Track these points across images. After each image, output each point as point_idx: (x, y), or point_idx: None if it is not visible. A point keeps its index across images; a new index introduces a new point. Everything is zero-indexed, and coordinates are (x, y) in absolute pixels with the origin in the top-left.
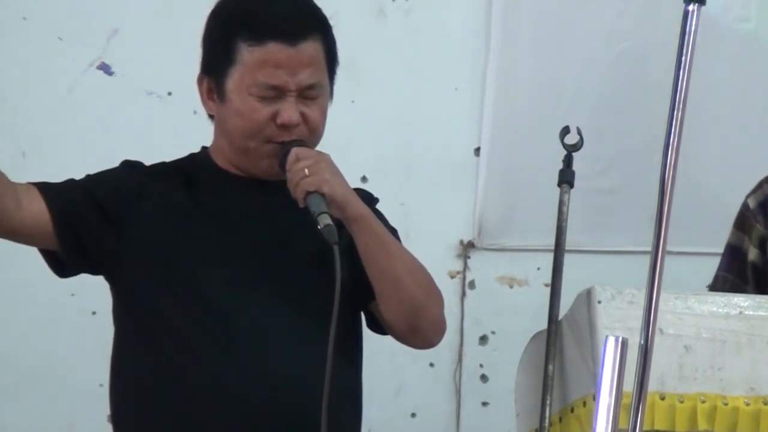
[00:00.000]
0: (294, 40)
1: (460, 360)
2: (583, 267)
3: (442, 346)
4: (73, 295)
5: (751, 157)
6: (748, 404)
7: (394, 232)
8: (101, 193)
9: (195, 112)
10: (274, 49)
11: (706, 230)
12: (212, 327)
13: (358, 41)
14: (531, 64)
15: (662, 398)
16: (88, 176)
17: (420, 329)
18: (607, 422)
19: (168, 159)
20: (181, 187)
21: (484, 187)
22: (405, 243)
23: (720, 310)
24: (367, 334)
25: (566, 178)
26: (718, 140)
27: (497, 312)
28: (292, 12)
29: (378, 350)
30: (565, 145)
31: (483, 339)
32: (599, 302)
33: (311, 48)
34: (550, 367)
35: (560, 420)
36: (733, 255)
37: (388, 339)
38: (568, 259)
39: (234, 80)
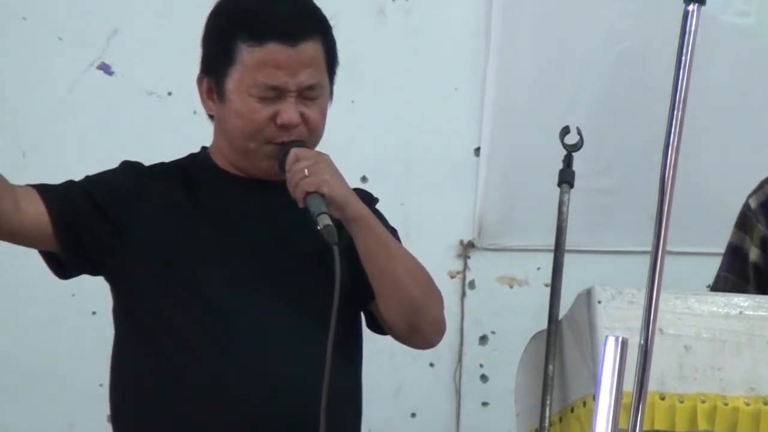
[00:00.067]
0: (294, 40)
1: (460, 360)
2: (583, 267)
3: (442, 346)
4: (73, 295)
5: (751, 157)
6: (748, 404)
7: (393, 232)
8: (100, 193)
9: (195, 112)
10: (274, 50)
11: (706, 230)
12: (212, 327)
13: (358, 41)
14: (531, 64)
15: (662, 398)
16: (87, 177)
17: (420, 329)
18: (607, 422)
19: (168, 159)
20: (181, 188)
21: (484, 187)
22: (405, 243)
23: (720, 310)
24: (367, 334)
25: (566, 178)
26: (718, 140)
27: (497, 312)
28: (292, 12)
29: (378, 350)
30: (565, 145)
31: (483, 339)
32: (599, 302)
33: (311, 48)
34: (550, 367)
35: (560, 420)
36: (734, 255)
37: (388, 339)
38: (568, 259)
39: (234, 80)
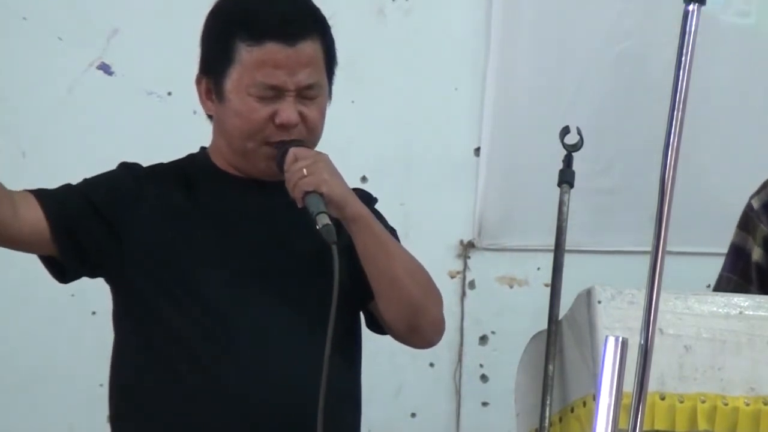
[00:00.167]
0: (293, 40)
1: (460, 360)
2: (583, 267)
3: (442, 346)
4: (73, 295)
5: (751, 157)
6: (748, 404)
7: (393, 231)
8: (98, 196)
9: (195, 112)
10: (272, 49)
11: (706, 230)
12: (211, 327)
13: (358, 41)
14: (531, 64)
15: (662, 398)
16: (85, 180)
17: (419, 329)
18: (607, 422)
19: (168, 159)
20: (180, 188)
21: (484, 187)
22: (405, 243)
23: (720, 310)
24: (367, 333)
25: (566, 178)
26: (718, 140)
27: (497, 312)
28: (291, 12)
29: (378, 350)
30: (565, 145)
31: (483, 339)
32: (599, 302)
33: (310, 48)
34: (550, 367)
35: (560, 420)
36: (736, 255)
37: (388, 339)
38: (568, 259)
39: (233, 80)
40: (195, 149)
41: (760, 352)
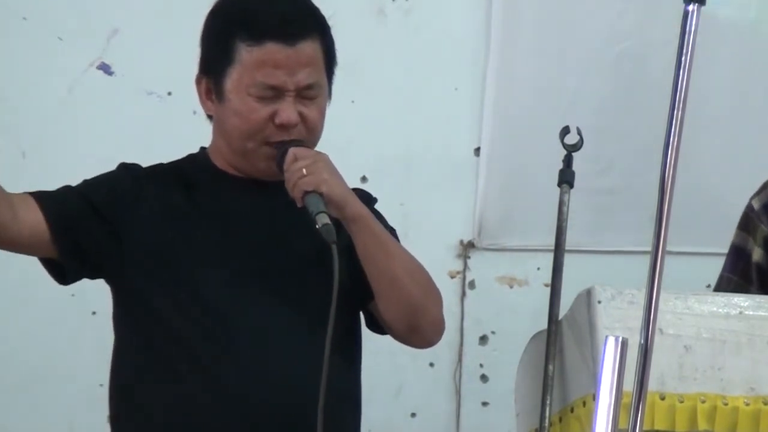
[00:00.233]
0: (292, 40)
1: (460, 360)
2: (583, 267)
3: (442, 345)
4: (73, 295)
5: (751, 156)
6: (748, 404)
7: (392, 231)
8: (98, 197)
9: (195, 112)
10: (272, 49)
11: (706, 230)
12: (211, 327)
13: (358, 41)
14: (531, 64)
15: (662, 398)
16: (85, 181)
17: (419, 329)
18: (607, 422)
19: (168, 159)
20: (179, 188)
21: (484, 187)
22: (404, 243)
23: (720, 310)
24: (367, 333)
25: (566, 178)
26: (718, 140)
27: (497, 312)
28: (291, 12)
29: (378, 350)
30: (565, 145)
31: (483, 339)
32: (599, 302)
33: (309, 48)
34: (550, 367)
35: (560, 420)
36: (737, 256)
37: (388, 339)
38: (568, 259)
39: (232, 80)
40: (195, 149)
41: (760, 352)
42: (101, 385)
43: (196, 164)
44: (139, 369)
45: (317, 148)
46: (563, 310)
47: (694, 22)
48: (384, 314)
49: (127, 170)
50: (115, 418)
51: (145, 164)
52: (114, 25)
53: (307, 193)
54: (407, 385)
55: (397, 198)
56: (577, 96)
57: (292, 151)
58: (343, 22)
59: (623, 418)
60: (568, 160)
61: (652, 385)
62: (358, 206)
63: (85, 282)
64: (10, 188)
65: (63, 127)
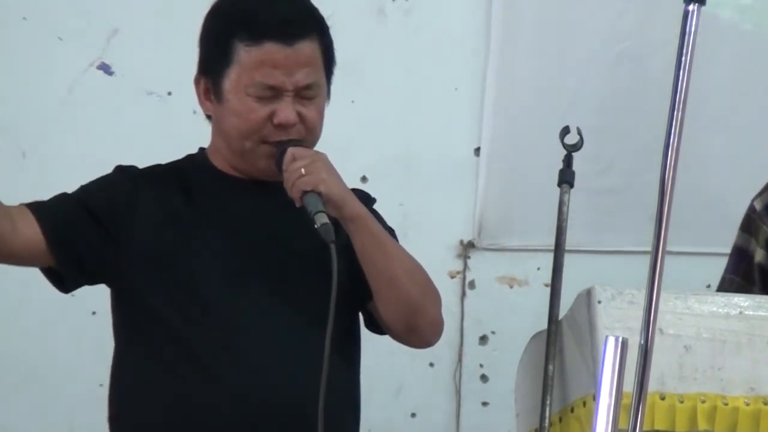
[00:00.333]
0: (291, 40)
1: (460, 360)
2: (583, 267)
3: (442, 345)
4: (73, 295)
5: (751, 157)
6: (748, 404)
7: (391, 231)
8: (95, 202)
9: (195, 112)
10: (271, 49)
11: (706, 230)
12: (211, 327)
13: (358, 41)
14: (531, 64)
15: (662, 398)
16: (82, 187)
17: (417, 329)
18: (607, 422)
19: (168, 159)
20: (178, 189)
21: (484, 187)
22: (404, 243)
23: (720, 310)
24: (367, 333)
25: (566, 178)
26: (718, 140)
27: (497, 312)
28: (290, 12)
29: (378, 350)
30: (565, 145)
31: (483, 339)
32: (599, 302)
33: (308, 48)
34: (550, 367)
35: (560, 420)
36: (739, 257)
37: (388, 339)
38: (568, 259)
39: (231, 80)
40: (195, 149)
41: (760, 352)
42: (101, 385)
43: (194, 165)
44: (139, 369)
45: (317, 148)
46: (563, 310)
47: (694, 22)
48: (383, 314)
49: (124, 173)
50: (115, 418)
51: (145, 164)
52: (114, 25)
53: (305, 192)
54: (407, 385)
55: (397, 198)
56: (577, 96)
57: (291, 150)
58: (342, 22)
59: (623, 418)
60: (568, 160)
61: (652, 385)
62: (356, 206)
63: None
64: (10, 188)
65: (63, 127)
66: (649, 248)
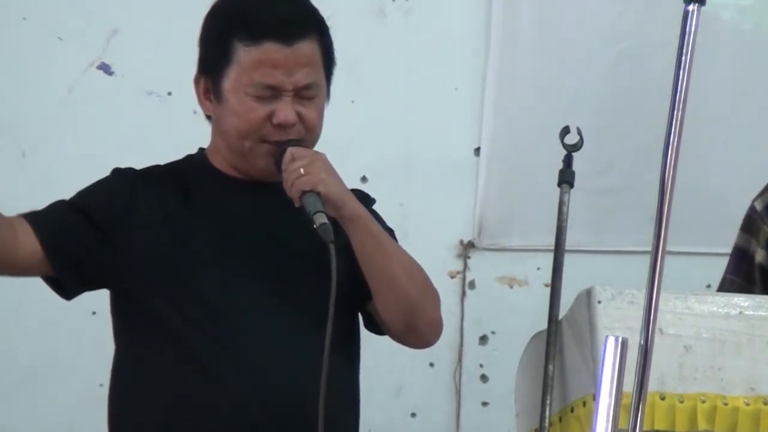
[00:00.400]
0: (290, 40)
1: (460, 360)
2: (583, 267)
3: (442, 346)
4: None
5: (751, 157)
6: (748, 404)
7: (390, 232)
8: (92, 206)
9: (195, 112)
10: (270, 49)
11: (706, 230)
12: (211, 328)
13: (358, 41)
14: (531, 64)
15: (662, 398)
16: (79, 192)
17: (417, 329)
18: (607, 422)
19: (168, 159)
20: (177, 190)
21: (484, 187)
22: (404, 243)
23: (720, 310)
24: (367, 334)
25: (566, 178)
26: (718, 140)
27: (497, 312)
28: (290, 12)
29: (378, 350)
30: (565, 145)
31: (483, 339)
32: (599, 302)
33: (308, 48)
34: (550, 367)
35: (560, 420)
36: (740, 257)
37: (388, 339)
38: (568, 259)
39: (231, 80)
40: (195, 149)
41: (760, 352)
42: (101, 385)
43: (194, 165)
44: (139, 369)
45: (317, 148)
46: (563, 310)
47: (694, 22)
48: (382, 314)
49: (121, 175)
50: (115, 418)
51: (145, 164)
52: (114, 25)
53: (304, 192)
54: (407, 385)
55: (397, 198)
56: (577, 96)
57: (290, 150)
58: (342, 22)
59: (623, 418)
60: (568, 160)
61: (652, 385)
62: (355, 206)
63: None
64: (10, 188)
65: (63, 127)
66: (649, 248)
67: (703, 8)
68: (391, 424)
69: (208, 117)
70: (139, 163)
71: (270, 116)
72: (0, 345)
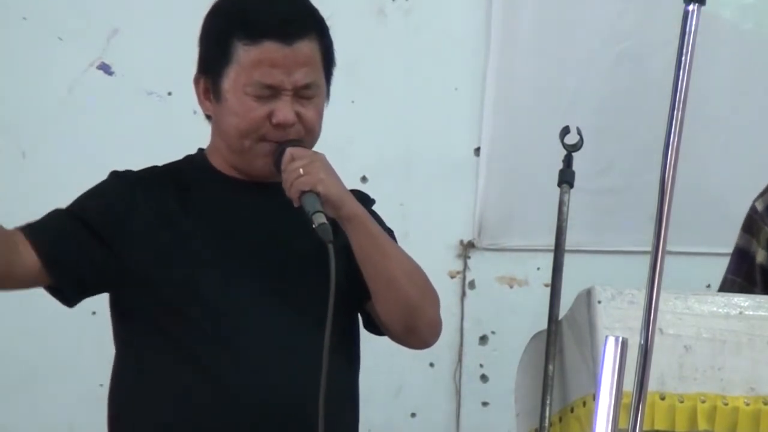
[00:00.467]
0: (290, 39)
1: (460, 360)
2: (583, 267)
3: (442, 346)
4: None
5: (751, 157)
6: (748, 404)
7: (390, 232)
8: (89, 211)
9: (195, 112)
10: (270, 49)
11: (706, 230)
12: (211, 328)
13: (358, 41)
14: (531, 64)
15: (662, 398)
16: (77, 199)
17: (416, 330)
18: (607, 422)
19: (168, 159)
20: (176, 191)
21: (484, 187)
22: (404, 243)
23: (720, 310)
24: (367, 333)
25: (566, 178)
26: (718, 140)
27: (497, 312)
28: (289, 12)
29: (378, 350)
30: (565, 145)
31: (483, 339)
32: (599, 302)
33: (307, 48)
34: (550, 367)
35: (560, 420)
36: (741, 258)
37: (388, 339)
38: (568, 259)
39: (230, 80)
40: (195, 149)
41: (760, 352)
42: (101, 385)
43: (193, 165)
44: (139, 370)
45: (316, 148)
46: (563, 310)
47: (694, 22)
48: (381, 315)
49: (119, 178)
50: (115, 418)
51: (145, 164)
52: (114, 25)
53: (303, 192)
54: (407, 385)
55: (397, 198)
56: (577, 96)
57: (290, 150)
58: (342, 22)
59: (623, 418)
60: (568, 160)
61: (652, 385)
62: (354, 206)
63: None
64: (10, 188)
65: (63, 127)
66: (649, 248)
67: (703, 8)
68: (391, 424)
69: (208, 117)
70: (139, 163)
71: (269, 116)
72: (0, 345)
